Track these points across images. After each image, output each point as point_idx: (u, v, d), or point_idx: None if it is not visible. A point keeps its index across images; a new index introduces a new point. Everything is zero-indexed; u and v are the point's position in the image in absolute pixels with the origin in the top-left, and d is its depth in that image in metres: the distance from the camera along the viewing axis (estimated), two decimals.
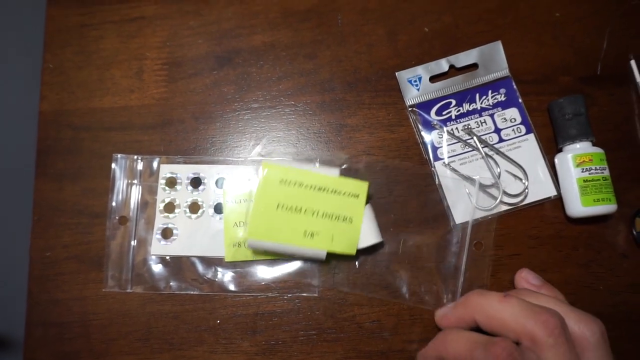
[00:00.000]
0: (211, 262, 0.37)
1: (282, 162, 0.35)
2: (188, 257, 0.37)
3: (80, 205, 0.38)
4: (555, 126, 0.37)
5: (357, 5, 0.40)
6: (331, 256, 0.35)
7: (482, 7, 0.40)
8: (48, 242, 0.38)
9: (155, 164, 0.38)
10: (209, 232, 0.37)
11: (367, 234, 0.34)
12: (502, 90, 0.38)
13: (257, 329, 0.36)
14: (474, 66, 0.39)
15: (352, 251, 0.34)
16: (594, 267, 0.37)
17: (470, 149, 0.38)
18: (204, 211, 0.37)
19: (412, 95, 0.38)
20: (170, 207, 0.38)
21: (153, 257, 0.37)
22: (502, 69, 0.38)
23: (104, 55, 0.40)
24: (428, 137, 0.38)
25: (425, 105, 0.38)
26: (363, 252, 0.36)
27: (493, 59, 0.38)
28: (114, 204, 0.37)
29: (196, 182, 0.38)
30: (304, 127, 0.39)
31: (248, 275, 0.37)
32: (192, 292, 0.37)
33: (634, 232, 0.37)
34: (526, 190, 0.37)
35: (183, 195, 0.38)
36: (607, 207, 0.35)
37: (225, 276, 0.37)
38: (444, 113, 0.38)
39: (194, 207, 0.38)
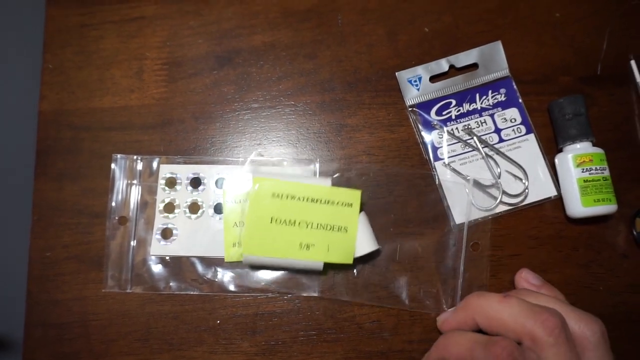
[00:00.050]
0: (211, 262, 0.37)
1: (273, 175, 0.35)
2: (188, 258, 0.37)
3: (80, 205, 0.38)
4: (556, 126, 0.37)
5: (357, 5, 0.40)
6: (329, 265, 0.35)
7: (482, 7, 0.40)
8: (48, 242, 0.38)
9: (155, 164, 0.38)
10: (208, 232, 0.37)
11: (363, 242, 0.34)
12: (502, 90, 0.38)
13: (257, 329, 0.36)
14: (474, 66, 0.39)
15: (349, 260, 0.34)
16: (594, 267, 0.37)
17: (470, 149, 0.38)
18: (203, 211, 0.37)
19: (412, 95, 0.38)
20: (170, 207, 0.37)
21: (153, 257, 0.37)
22: (502, 69, 0.38)
23: (104, 55, 0.40)
24: (428, 137, 0.38)
25: (426, 105, 0.38)
26: (360, 260, 0.36)
27: (493, 59, 0.38)
28: (113, 204, 0.37)
29: (196, 182, 0.38)
30: (304, 127, 0.39)
31: (248, 276, 0.37)
32: (191, 293, 0.37)
33: (634, 233, 0.37)
34: (526, 191, 0.37)
35: (183, 195, 0.38)
36: (608, 208, 0.35)
37: (225, 276, 0.37)
38: (444, 113, 0.38)
39: (194, 207, 0.37)
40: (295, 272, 0.36)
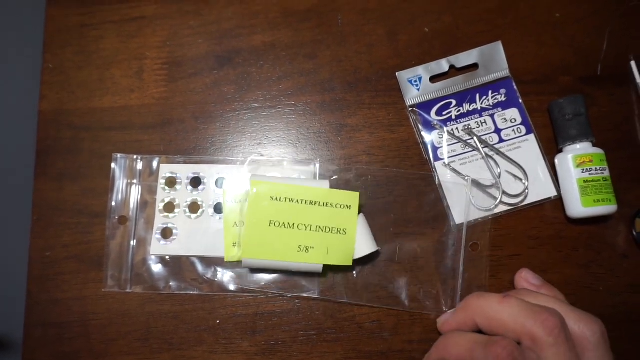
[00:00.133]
0: (211, 262, 0.37)
1: (271, 178, 0.35)
2: (188, 257, 0.37)
3: (80, 205, 0.38)
4: (556, 126, 0.37)
5: (357, 5, 0.40)
6: (328, 267, 0.35)
7: (482, 7, 0.40)
8: (48, 241, 0.38)
9: (155, 164, 0.38)
10: (208, 232, 0.37)
11: (362, 244, 0.34)
12: (503, 91, 0.38)
13: (257, 329, 0.36)
14: (474, 66, 0.39)
15: (349, 262, 0.34)
16: (594, 267, 0.37)
17: (470, 149, 0.38)
18: (203, 211, 0.37)
19: (413, 96, 0.38)
20: (170, 207, 0.37)
21: (153, 257, 0.37)
22: (502, 69, 0.38)
23: (104, 55, 0.40)
24: (428, 137, 0.38)
25: (426, 106, 0.38)
26: (360, 261, 0.36)
27: (493, 59, 0.38)
28: (113, 203, 0.37)
29: (196, 182, 0.38)
30: (304, 127, 0.39)
31: (248, 275, 0.37)
32: (191, 292, 0.37)
33: (634, 233, 0.37)
34: (526, 191, 0.37)
35: (183, 195, 0.38)
36: (608, 208, 0.35)
37: (225, 276, 0.37)
38: (444, 113, 0.38)
39: (194, 207, 0.37)
40: (295, 274, 0.36)
